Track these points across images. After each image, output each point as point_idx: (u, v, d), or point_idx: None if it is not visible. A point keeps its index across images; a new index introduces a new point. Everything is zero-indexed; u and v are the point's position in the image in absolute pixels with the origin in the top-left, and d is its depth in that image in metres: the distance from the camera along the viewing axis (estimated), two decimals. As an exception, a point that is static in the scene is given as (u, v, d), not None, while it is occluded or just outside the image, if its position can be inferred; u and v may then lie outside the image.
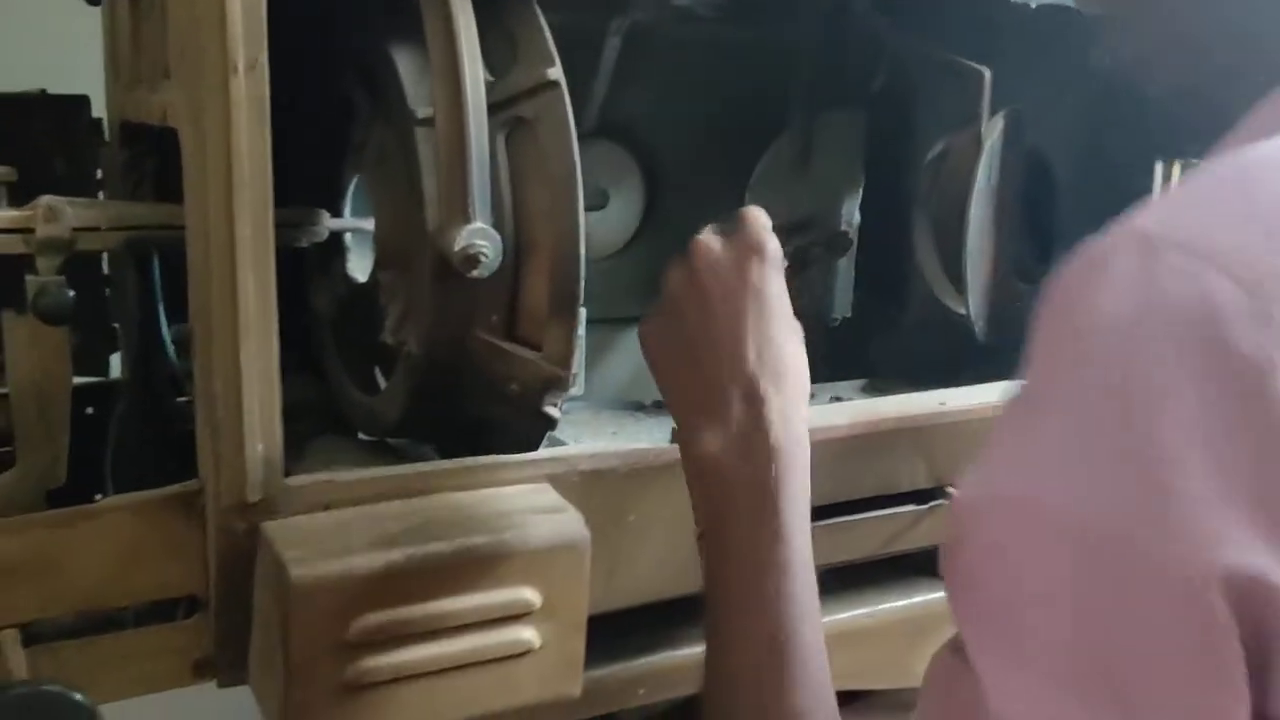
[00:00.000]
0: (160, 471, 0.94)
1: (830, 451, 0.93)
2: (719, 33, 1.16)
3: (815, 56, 1.20)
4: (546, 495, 0.78)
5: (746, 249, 0.69)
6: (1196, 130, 0.60)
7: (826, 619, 1.02)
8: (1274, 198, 0.44)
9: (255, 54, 0.66)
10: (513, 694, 0.75)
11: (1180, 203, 0.48)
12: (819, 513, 0.95)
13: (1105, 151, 1.12)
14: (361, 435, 0.95)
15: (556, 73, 0.79)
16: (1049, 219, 1.16)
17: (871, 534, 1.01)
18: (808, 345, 1.22)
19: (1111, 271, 0.43)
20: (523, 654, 0.74)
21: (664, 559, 0.88)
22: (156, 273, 0.88)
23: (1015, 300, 1.13)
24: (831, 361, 1.27)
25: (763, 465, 0.64)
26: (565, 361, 0.80)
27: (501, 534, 0.72)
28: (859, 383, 1.26)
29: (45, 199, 0.81)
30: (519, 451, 0.84)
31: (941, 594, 1.06)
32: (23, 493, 0.82)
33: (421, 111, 0.80)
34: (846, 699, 1.14)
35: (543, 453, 0.82)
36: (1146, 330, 0.41)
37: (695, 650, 0.93)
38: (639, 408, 1.15)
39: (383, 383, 0.95)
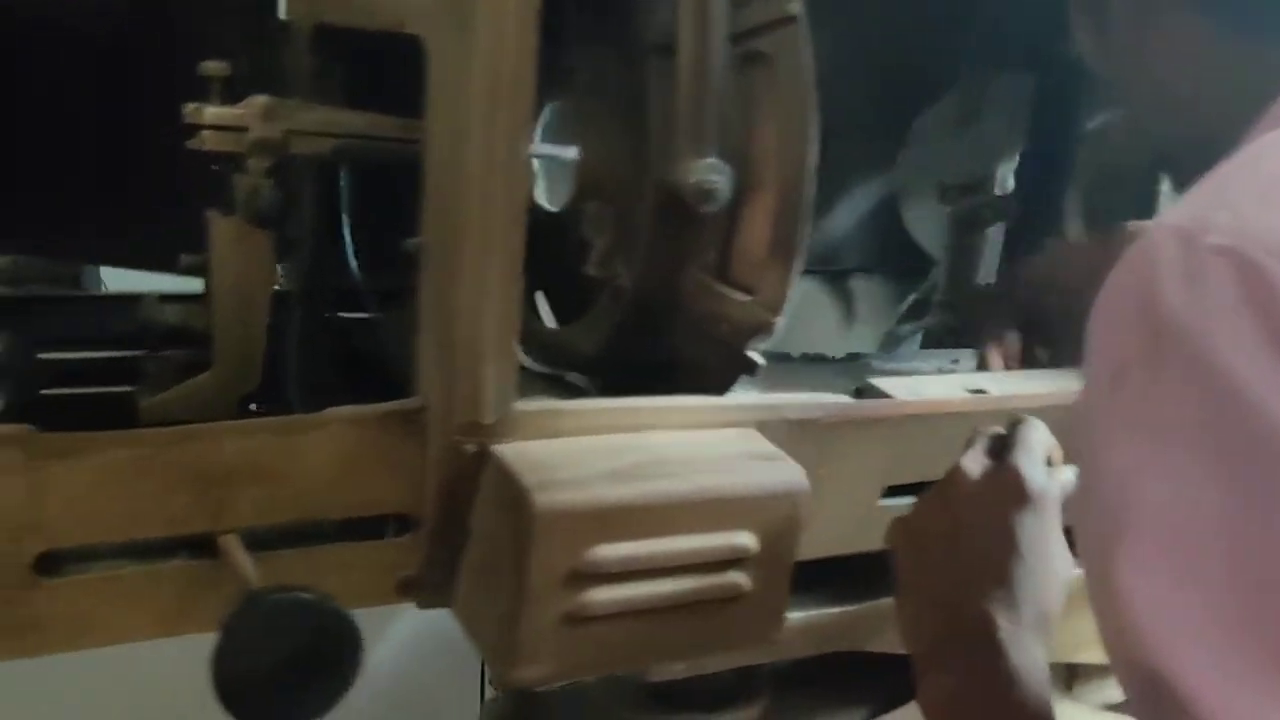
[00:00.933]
0: (340, 387, 0.94)
1: (999, 421, 0.91)
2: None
3: (993, 15, 1.17)
4: (759, 442, 0.77)
5: (1006, 488, 0.70)
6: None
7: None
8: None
9: (533, -40, 0.64)
10: (721, 638, 0.74)
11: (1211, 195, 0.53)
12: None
13: None
14: (532, 366, 0.94)
15: (797, 7, 0.76)
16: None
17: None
18: (951, 306, 1.22)
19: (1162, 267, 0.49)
20: (734, 598, 0.73)
21: (845, 515, 0.87)
22: (344, 183, 0.86)
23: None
24: (968, 323, 1.26)
25: (1001, 687, 0.63)
26: (777, 307, 0.79)
27: (727, 477, 0.71)
28: (998, 351, 1.24)
29: (260, 98, 0.80)
30: (707, 393, 0.82)
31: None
32: (219, 396, 0.82)
33: (654, 40, 0.77)
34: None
35: (755, 398, 0.80)
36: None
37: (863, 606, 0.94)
38: (786, 359, 1.14)
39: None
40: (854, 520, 0.89)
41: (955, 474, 0.73)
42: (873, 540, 0.93)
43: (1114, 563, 0.49)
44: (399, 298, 0.92)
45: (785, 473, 0.74)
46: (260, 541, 0.72)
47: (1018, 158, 1.24)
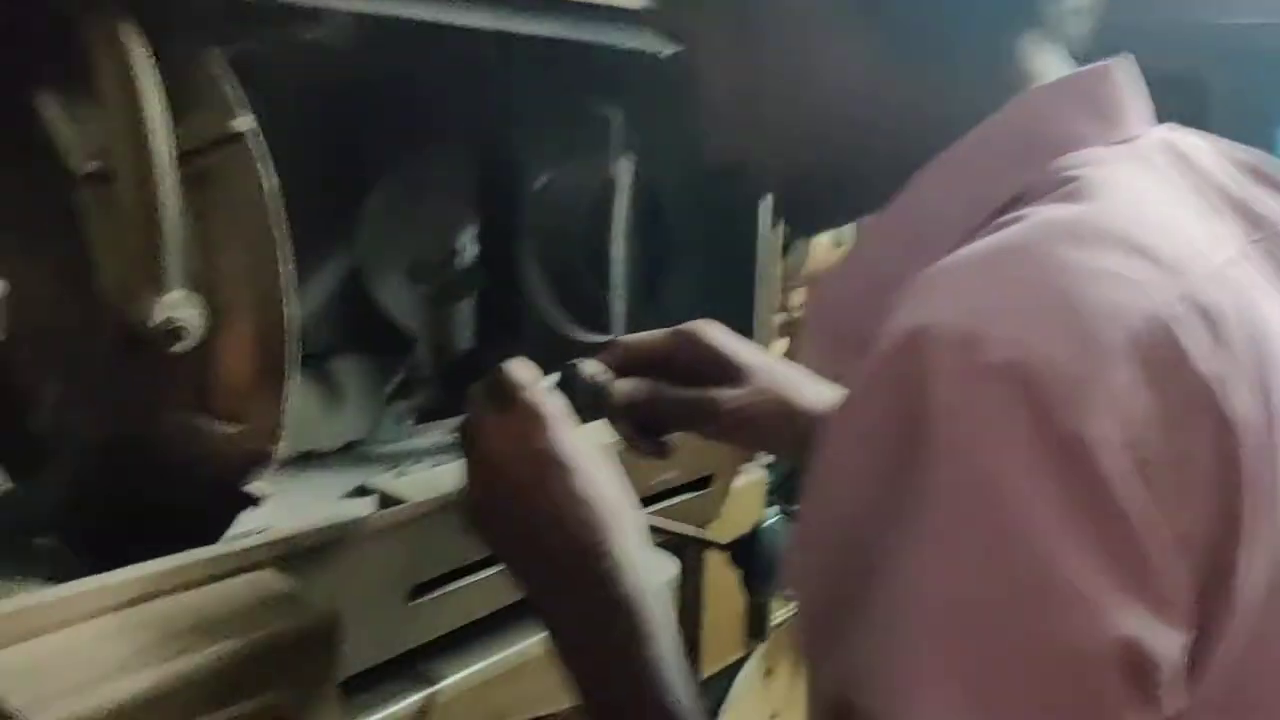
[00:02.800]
0: None
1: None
2: (319, 66, 1.11)
3: (425, 90, 1.19)
4: (272, 584, 0.72)
5: (523, 423, 0.68)
6: (823, 206, 0.66)
7: (503, 655, 1.05)
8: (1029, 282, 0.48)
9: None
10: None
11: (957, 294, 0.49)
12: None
13: (712, 188, 1.22)
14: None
15: (244, 122, 0.72)
16: (662, 250, 1.24)
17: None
18: (437, 380, 1.23)
19: (934, 370, 0.45)
20: (280, 761, 0.68)
21: (377, 623, 0.84)
22: None
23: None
24: (456, 395, 1.27)
25: (623, 620, 0.64)
26: (273, 435, 0.75)
27: (248, 636, 0.66)
28: (487, 414, 1.27)
29: None
30: (199, 535, 0.76)
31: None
32: None
33: (86, 166, 0.70)
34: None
35: (265, 536, 0.75)
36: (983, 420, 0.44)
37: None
38: (279, 463, 1.08)
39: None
40: (388, 626, 0.86)
41: (474, 436, 0.71)
42: (410, 639, 0.91)
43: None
44: None
45: (307, 615, 0.69)
46: None
47: (476, 226, 1.27)
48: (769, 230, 1.20)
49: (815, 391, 0.84)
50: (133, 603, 0.67)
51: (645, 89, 1.15)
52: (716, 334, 0.85)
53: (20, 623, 0.62)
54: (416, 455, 1.13)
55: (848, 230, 1.55)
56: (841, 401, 0.50)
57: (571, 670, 0.66)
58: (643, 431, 0.85)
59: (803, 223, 0.73)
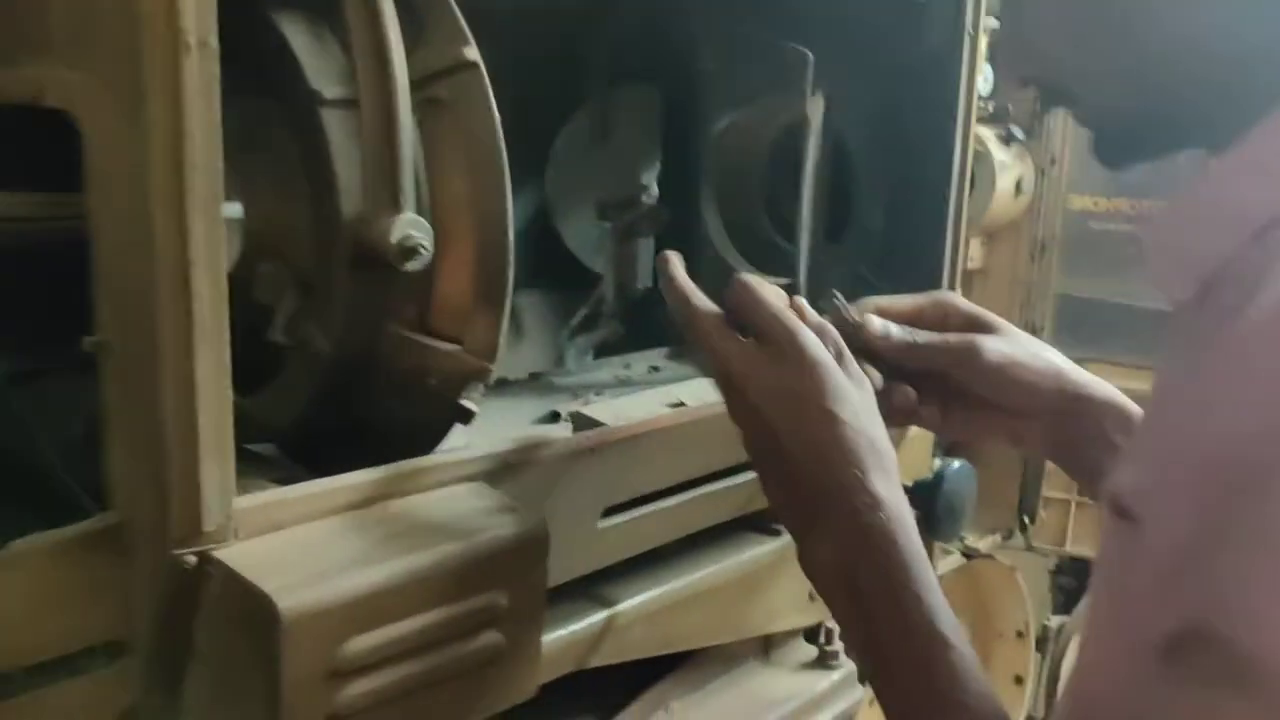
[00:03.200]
0: None
1: (701, 429, 0.96)
2: (523, 5, 1.14)
3: (615, 30, 1.21)
4: (489, 495, 0.76)
5: (795, 365, 0.70)
6: (1137, 143, 0.66)
7: (680, 583, 1.08)
8: None
9: (207, 30, 0.58)
10: (484, 701, 0.73)
11: None
12: (691, 484, 1.00)
13: (899, 131, 1.21)
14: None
15: (474, 52, 0.75)
16: (845, 194, 1.24)
17: (732, 499, 1.05)
18: (617, 315, 1.25)
19: None
20: (492, 659, 0.72)
21: (570, 542, 0.87)
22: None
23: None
24: (633, 331, 1.30)
25: (881, 551, 0.65)
26: (490, 353, 0.78)
27: (470, 539, 0.70)
28: (662, 351, 1.30)
29: None
30: (411, 449, 0.80)
31: (766, 546, 1.12)
32: None
33: (330, 91, 0.74)
34: (683, 658, 1.20)
35: (477, 450, 0.79)
36: None
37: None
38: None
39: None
40: (579, 546, 0.90)
41: (739, 374, 0.72)
42: (597, 560, 0.95)
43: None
44: (24, 380, 0.83)
45: (525, 523, 0.73)
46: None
47: (658, 166, 1.29)
48: (960, 181, 1.19)
49: (1073, 365, 0.85)
50: (364, 504, 0.71)
51: (838, 27, 1.15)
52: (966, 302, 0.86)
53: (265, 516, 0.67)
54: (597, 387, 1.16)
55: (1027, 180, 1.52)
56: (1229, 329, 0.50)
57: (836, 605, 0.68)
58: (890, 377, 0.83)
59: (1112, 157, 0.73)
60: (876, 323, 0.81)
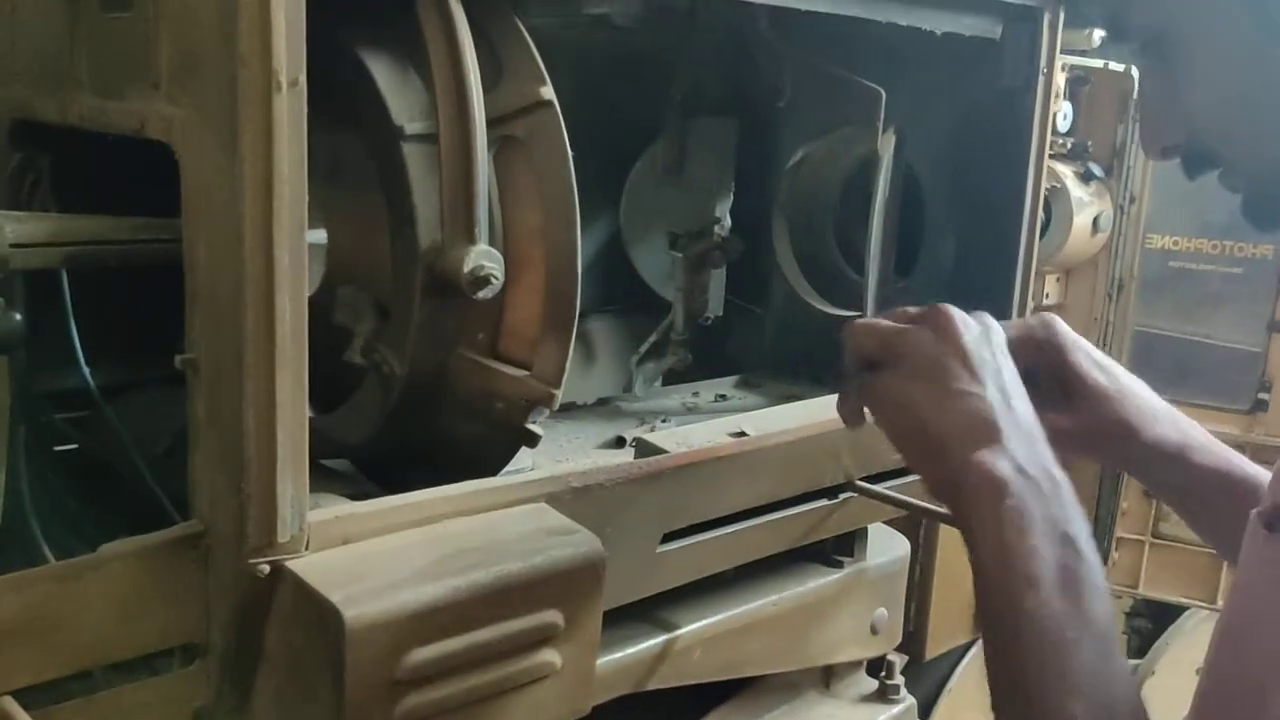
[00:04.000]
0: (81, 495, 0.87)
1: (762, 458, 0.97)
2: (593, 39, 1.17)
3: (694, 64, 1.23)
4: (552, 516, 0.78)
5: (985, 323, 0.75)
6: None
7: (739, 610, 1.09)
8: None
9: (297, 70, 0.62)
10: (538, 717, 0.75)
11: None
12: (752, 513, 1.01)
13: (971, 167, 1.22)
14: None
15: (549, 92, 0.78)
16: (916, 228, 1.25)
17: (792, 529, 1.06)
18: (687, 343, 1.27)
19: None
20: (546, 676, 0.74)
21: (629, 566, 0.89)
22: (67, 286, 0.80)
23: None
24: (702, 358, 1.32)
25: (1050, 496, 0.66)
26: (556, 379, 0.81)
27: (529, 559, 0.72)
28: (732, 379, 1.32)
29: (-22, 213, 0.73)
30: (484, 468, 0.83)
31: (829, 578, 1.13)
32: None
33: (411, 127, 0.77)
34: (747, 679, 1.21)
35: (540, 473, 0.81)
36: None
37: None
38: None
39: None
40: (638, 570, 0.92)
41: (945, 317, 0.75)
42: (655, 585, 0.97)
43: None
44: (122, 393, 0.88)
45: (584, 546, 0.75)
46: (34, 697, 0.66)
47: (731, 197, 1.31)
48: (1031, 217, 1.19)
49: (1162, 420, 0.86)
50: (430, 521, 0.74)
51: (914, 64, 1.16)
52: (1067, 337, 0.86)
53: (337, 529, 0.70)
54: (664, 414, 1.18)
55: (1105, 217, 1.51)
56: None
57: (983, 515, 0.68)
58: None
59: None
60: None
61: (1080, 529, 0.66)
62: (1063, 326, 0.87)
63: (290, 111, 0.62)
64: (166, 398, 0.84)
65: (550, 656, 0.74)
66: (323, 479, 0.86)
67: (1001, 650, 0.65)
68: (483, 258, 0.74)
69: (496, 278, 0.75)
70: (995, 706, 0.65)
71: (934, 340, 0.73)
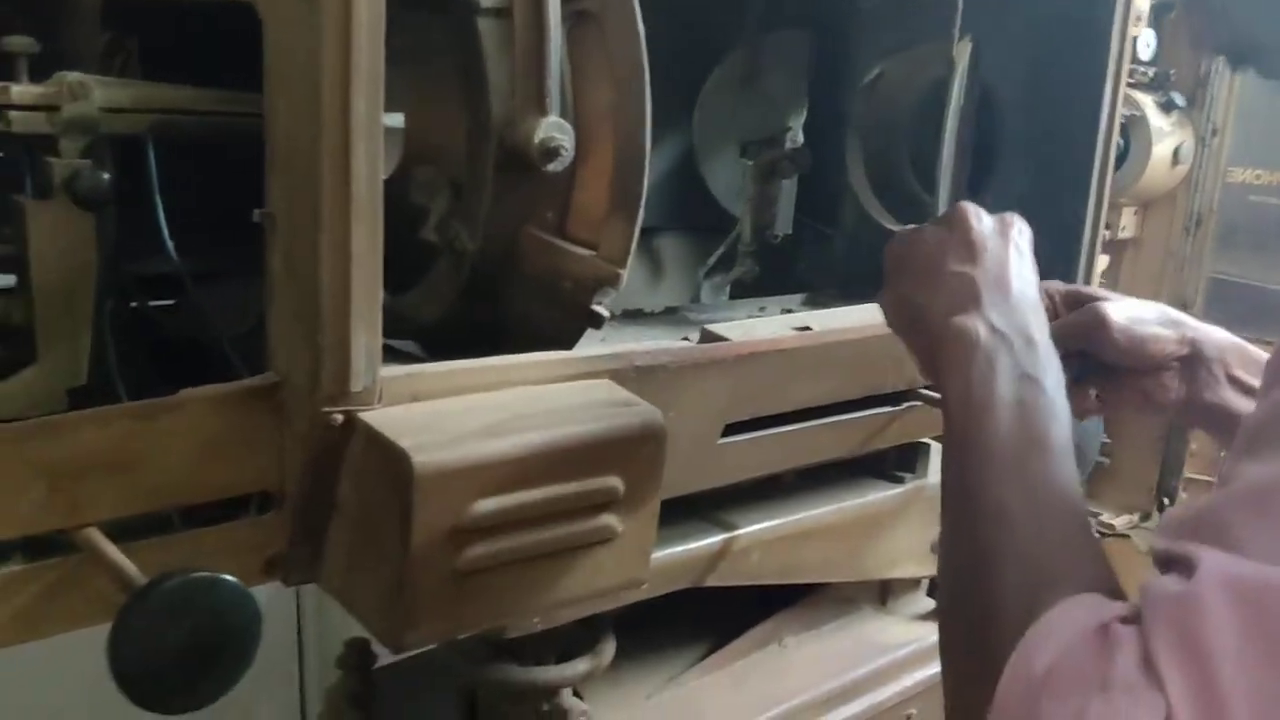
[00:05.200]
0: (154, 375, 0.90)
1: (825, 355, 0.98)
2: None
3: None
4: (615, 390, 0.80)
5: (1010, 221, 0.76)
6: None
7: (800, 516, 1.10)
8: None
9: (377, -76, 0.64)
10: (596, 580, 0.77)
11: None
12: (811, 413, 1.02)
13: (1048, 90, 1.20)
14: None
15: (624, -31, 0.79)
16: (991, 148, 1.24)
17: (853, 433, 1.07)
18: (753, 257, 1.28)
19: None
20: (607, 540, 0.76)
21: (689, 456, 0.90)
22: (153, 162, 0.83)
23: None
24: (771, 277, 1.33)
25: (1028, 360, 0.67)
26: (622, 260, 0.82)
27: (592, 425, 0.74)
28: (799, 296, 1.32)
29: (71, 75, 0.76)
30: (547, 346, 0.84)
31: (889, 492, 1.13)
32: (45, 391, 0.77)
33: (487, 1, 0.78)
34: (805, 590, 1.23)
35: (604, 348, 0.83)
36: None
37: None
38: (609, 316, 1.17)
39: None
40: (698, 461, 0.93)
41: (962, 211, 0.76)
42: (715, 478, 0.98)
43: None
44: (214, 279, 0.90)
45: (645, 416, 0.77)
46: (112, 536, 0.69)
47: (805, 111, 1.31)
48: (1106, 142, 1.17)
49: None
50: (498, 386, 0.76)
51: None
52: (1058, 282, 0.88)
53: (408, 386, 0.72)
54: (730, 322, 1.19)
55: (1185, 149, 1.48)
56: None
57: (953, 366, 0.69)
58: None
59: None
60: None
61: (1049, 376, 0.66)
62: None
63: (369, -34, 0.64)
64: (249, 286, 0.87)
65: (610, 521, 0.76)
66: (390, 357, 0.88)
67: (954, 480, 0.65)
68: (553, 129, 0.75)
69: (566, 149, 0.76)
70: (941, 531, 0.65)
71: (942, 234, 0.75)
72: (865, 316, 0.99)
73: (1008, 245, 0.74)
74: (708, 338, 0.90)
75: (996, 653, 0.52)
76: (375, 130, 0.66)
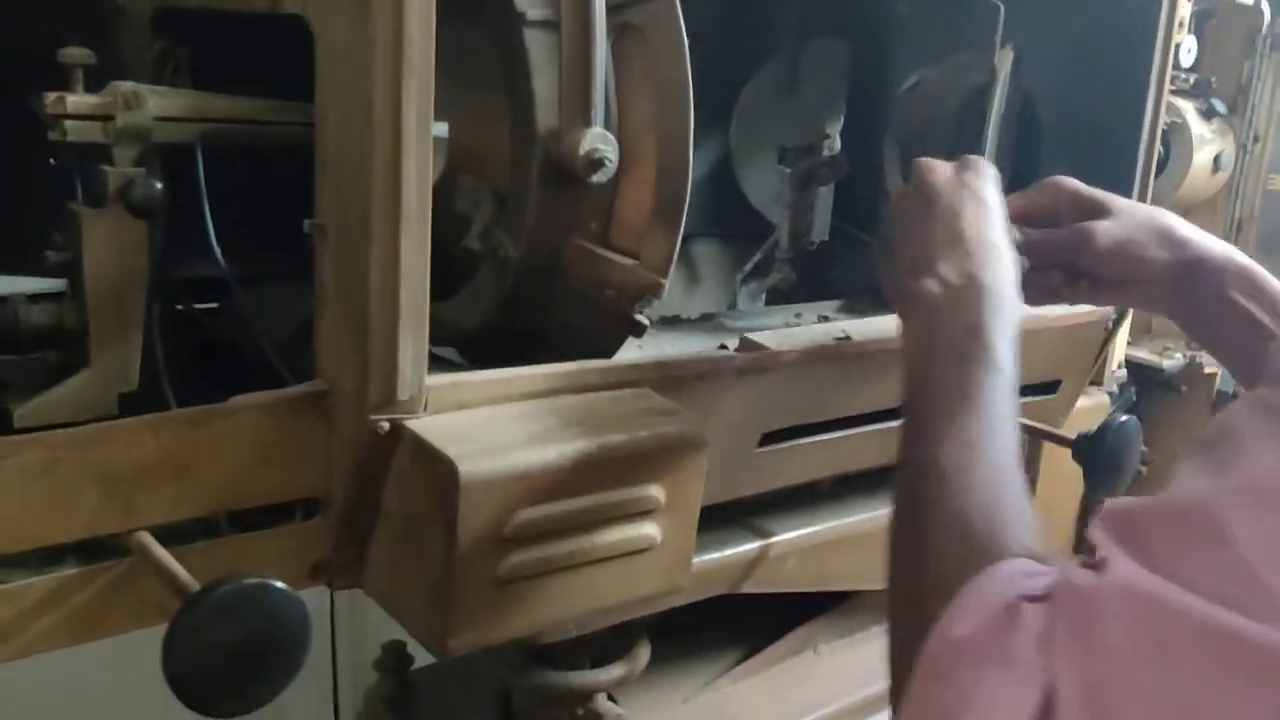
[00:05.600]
0: (201, 379, 0.92)
1: (864, 364, 0.98)
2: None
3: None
4: (655, 399, 0.80)
5: (966, 164, 0.80)
6: None
7: (836, 523, 1.10)
8: None
9: (428, -63, 0.64)
10: (635, 587, 0.77)
11: None
12: (849, 422, 1.02)
13: (1089, 87, 1.20)
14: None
15: (669, -20, 0.79)
16: (1033, 153, 1.24)
17: (891, 441, 1.06)
18: (790, 264, 1.28)
19: None
20: (648, 549, 0.77)
21: (728, 464, 0.91)
22: (202, 170, 0.84)
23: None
24: (807, 283, 1.33)
25: (973, 308, 0.69)
26: (664, 269, 0.82)
27: (635, 433, 0.74)
28: (835, 303, 1.32)
29: (125, 84, 0.77)
30: (590, 354, 0.85)
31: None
32: (97, 395, 0.79)
33: (533, 13, 0.79)
34: (840, 597, 1.23)
35: (644, 357, 0.84)
36: None
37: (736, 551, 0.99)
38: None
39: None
40: (736, 469, 0.94)
41: (920, 165, 0.82)
42: (753, 486, 0.99)
43: None
44: (256, 284, 0.91)
45: (685, 425, 0.77)
46: (160, 540, 0.70)
47: (842, 119, 1.31)
48: (1149, 150, 1.17)
49: (1189, 227, 0.86)
50: (540, 395, 0.77)
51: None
52: (1074, 182, 0.89)
53: (453, 394, 0.73)
54: (767, 330, 1.19)
55: (1226, 156, 1.47)
56: None
57: (911, 335, 0.73)
58: None
59: None
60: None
61: (996, 323, 0.68)
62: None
63: (421, -18, 0.64)
64: (290, 291, 0.88)
65: (650, 530, 0.76)
66: (433, 364, 0.89)
67: (901, 430, 0.69)
68: (597, 140, 0.76)
69: (610, 160, 0.77)
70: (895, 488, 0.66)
71: (907, 194, 0.80)
72: (904, 325, 0.99)
73: (962, 191, 0.77)
74: (747, 346, 0.91)
75: (925, 606, 0.55)
76: (425, 143, 0.67)
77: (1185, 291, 0.85)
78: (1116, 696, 0.44)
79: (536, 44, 0.79)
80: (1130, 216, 0.86)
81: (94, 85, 0.78)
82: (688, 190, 0.81)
